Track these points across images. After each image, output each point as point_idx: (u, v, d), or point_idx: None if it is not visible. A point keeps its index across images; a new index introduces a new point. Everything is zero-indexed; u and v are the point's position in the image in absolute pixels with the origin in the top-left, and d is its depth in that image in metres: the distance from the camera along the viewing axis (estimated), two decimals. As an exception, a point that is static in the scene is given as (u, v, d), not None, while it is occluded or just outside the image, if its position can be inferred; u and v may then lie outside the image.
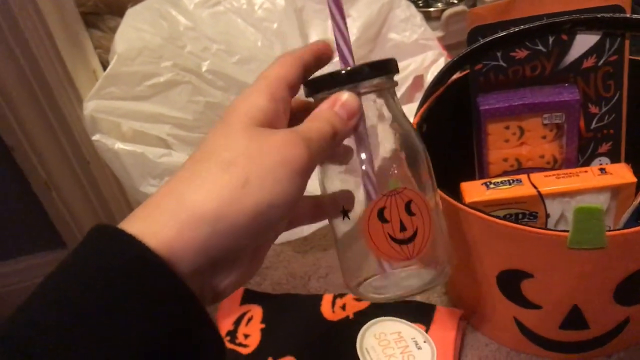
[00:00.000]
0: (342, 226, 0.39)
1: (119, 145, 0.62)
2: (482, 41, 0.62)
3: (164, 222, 0.29)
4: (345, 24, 0.38)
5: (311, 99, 0.39)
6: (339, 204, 0.39)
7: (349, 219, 0.39)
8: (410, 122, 0.41)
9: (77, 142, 0.68)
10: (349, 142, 0.38)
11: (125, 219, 0.30)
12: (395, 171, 0.39)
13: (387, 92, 0.39)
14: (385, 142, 0.40)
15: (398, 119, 0.40)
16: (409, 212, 0.37)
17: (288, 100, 0.36)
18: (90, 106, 0.63)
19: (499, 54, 0.63)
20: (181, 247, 0.28)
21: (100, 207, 0.73)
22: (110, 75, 0.65)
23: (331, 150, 0.35)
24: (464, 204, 0.53)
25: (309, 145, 0.33)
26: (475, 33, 0.63)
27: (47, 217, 0.72)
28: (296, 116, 0.38)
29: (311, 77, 0.38)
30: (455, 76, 0.67)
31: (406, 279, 0.39)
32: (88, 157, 0.69)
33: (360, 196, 0.39)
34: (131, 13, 0.74)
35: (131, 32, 0.70)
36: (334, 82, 0.36)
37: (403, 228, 0.37)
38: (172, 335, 0.27)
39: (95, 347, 0.25)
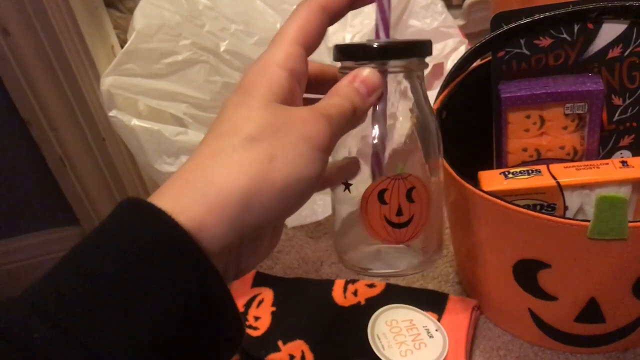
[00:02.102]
0: (343, 198, 0.40)
1: (135, 122, 0.62)
2: (505, 28, 0.61)
3: (193, 199, 0.28)
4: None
5: (338, 64, 0.38)
6: (344, 174, 0.40)
7: (350, 192, 0.39)
8: (431, 109, 0.41)
9: (94, 118, 0.67)
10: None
11: (153, 195, 0.29)
12: (405, 155, 0.39)
13: (415, 74, 0.38)
14: (403, 124, 0.39)
15: (420, 103, 0.39)
16: (409, 198, 0.37)
17: (305, 70, 0.35)
18: (107, 82, 0.62)
19: (522, 42, 0.62)
20: (211, 225, 0.28)
21: (114, 184, 0.73)
22: (129, 52, 0.64)
23: (352, 125, 0.35)
24: (483, 192, 0.52)
25: (330, 122, 0.33)
26: (499, 19, 0.62)
27: (61, 193, 0.72)
28: (313, 82, 0.38)
29: (344, 44, 0.38)
30: (476, 63, 0.66)
31: (394, 258, 0.40)
32: (104, 133, 0.69)
33: (366, 172, 0.39)
34: (151, -9, 0.73)
35: (150, 8, 0.69)
36: (364, 55, 0.36)
37: (400, 213, 0.37)
38: (195, 312, 0.27)
39: (121, 318, 0.25)
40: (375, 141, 0.37)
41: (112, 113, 0.62)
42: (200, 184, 0.29)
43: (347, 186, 0.39)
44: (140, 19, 0.67)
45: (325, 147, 0.32)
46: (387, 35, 0.37)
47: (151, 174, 0.65)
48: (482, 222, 0.55)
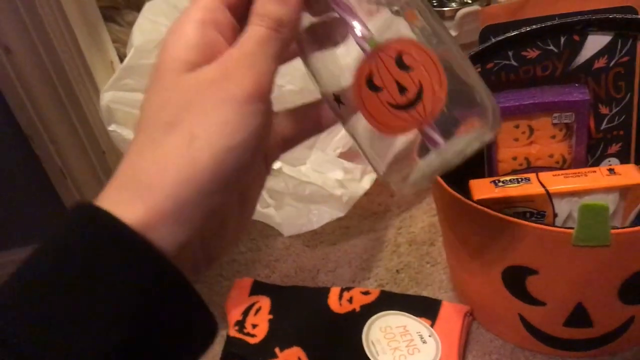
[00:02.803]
0: (352, 120, 0.32)
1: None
2: (493, 40, 0.63)
3: (131, 203, 0.26)
4: None
5: None
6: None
7: (345, 104, 0.32)
8: None
9: (94, 132, 0.69)
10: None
11: (96, 200, 0.27)
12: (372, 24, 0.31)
13: None
14: None
15: None
16: (404, 67, 0.29)
17: (227, 18, 0.30)
18: (107, 97, 0.64)
19: (510, 53, 0.64)
20: (155, 226, 0.26)
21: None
22: (128, 67, 0.66)
23: (288, 43, 0.30)
24: (472, 201, 0.54)
25: (254, 64, 0.28)
26: (488, 32, 0.63)
27: (63, 206, 0.74)
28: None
29: None
30: (466, 74, 0.68)
31: (449, 145, 0.31)
32: (104, 147, 0.70)
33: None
34: (149, 6, 0.75)
35: (148, 25, 0.71)
36: None
37: (403, 89, 0.29)
38: (156, 309, 0.26)
39: (68, 325, 0.24)
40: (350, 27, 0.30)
41: (111, 127, 0.64)
42: (133, 186, 0.27)
43: (337, 99, 0.32)
44: (138, 35, 0.69)
45: (259, 94, 0.28)
46: None
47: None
48: (471, 230, 0.57)
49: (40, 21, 0.60)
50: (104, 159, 0.71)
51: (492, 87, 0.64)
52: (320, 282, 0.75)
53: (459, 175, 0.58)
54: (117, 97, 0.65)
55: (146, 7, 0.75)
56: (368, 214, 0.84)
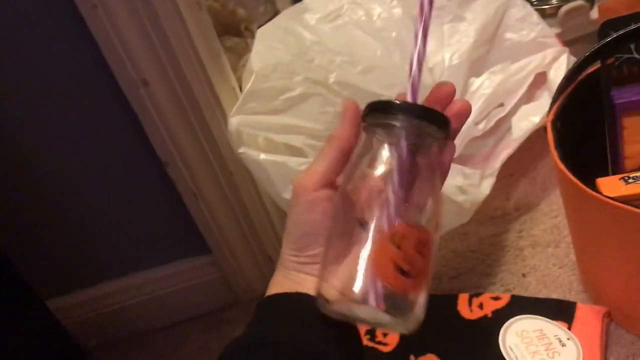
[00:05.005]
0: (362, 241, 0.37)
1: (263, 156, 0.67)
2: (613, 35, 0.62)
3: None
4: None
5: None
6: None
7: (364, 231, 0.37)
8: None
9: (222, 156, 0.73)
10: None
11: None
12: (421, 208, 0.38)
13: (429, 139, 0.37)
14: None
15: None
16: (421, 253, 0.36)
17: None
18: (234, 121, 0.68)
19: (632, 47, 0.62)
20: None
21: (242, 214, 0.78)
22: (250, 92, 0.70)
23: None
24: (613, 200, 0.53)
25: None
26: (607, 27, 0.62)
27: (195, 226, 0.79)
28: None
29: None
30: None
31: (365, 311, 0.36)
32: (231, 168, 0.74)
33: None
34: (262, 32, 0.79)
35: (265, 50, 0.75)
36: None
37: (411, 263, 0.35)
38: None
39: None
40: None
41: (241, 150, 0.67)
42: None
43: (362, 224, 0.37)
44: (257, 61, 0.73)
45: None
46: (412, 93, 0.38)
47: (279, 203, 0.70)
48: (609, 229, 0.56)
49: (174, 55, 0.64)
50: (232, 180, 0.75)
51: (615, 82, 0.64)
52: (444, 289, 0.76)
53: (584, 174, 0.57)
54: (244, 121, 0.69)
55: (259, 34, 0.79)
56: (485, 219, 0.84)
